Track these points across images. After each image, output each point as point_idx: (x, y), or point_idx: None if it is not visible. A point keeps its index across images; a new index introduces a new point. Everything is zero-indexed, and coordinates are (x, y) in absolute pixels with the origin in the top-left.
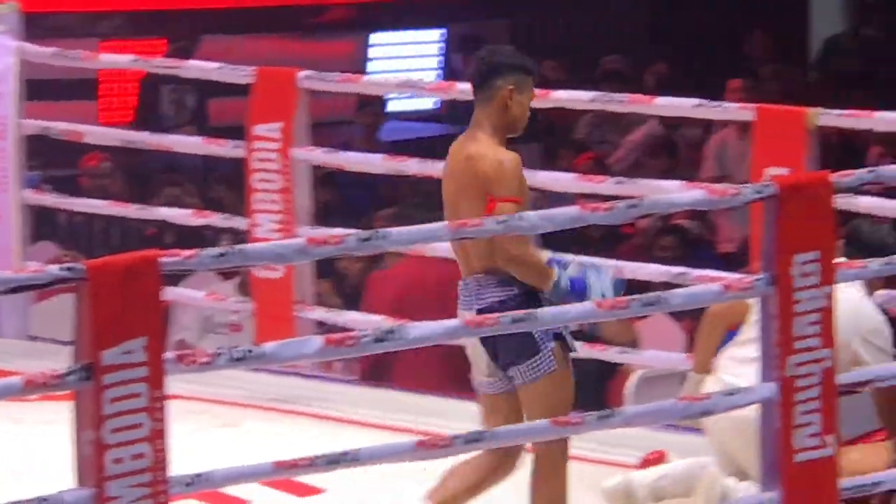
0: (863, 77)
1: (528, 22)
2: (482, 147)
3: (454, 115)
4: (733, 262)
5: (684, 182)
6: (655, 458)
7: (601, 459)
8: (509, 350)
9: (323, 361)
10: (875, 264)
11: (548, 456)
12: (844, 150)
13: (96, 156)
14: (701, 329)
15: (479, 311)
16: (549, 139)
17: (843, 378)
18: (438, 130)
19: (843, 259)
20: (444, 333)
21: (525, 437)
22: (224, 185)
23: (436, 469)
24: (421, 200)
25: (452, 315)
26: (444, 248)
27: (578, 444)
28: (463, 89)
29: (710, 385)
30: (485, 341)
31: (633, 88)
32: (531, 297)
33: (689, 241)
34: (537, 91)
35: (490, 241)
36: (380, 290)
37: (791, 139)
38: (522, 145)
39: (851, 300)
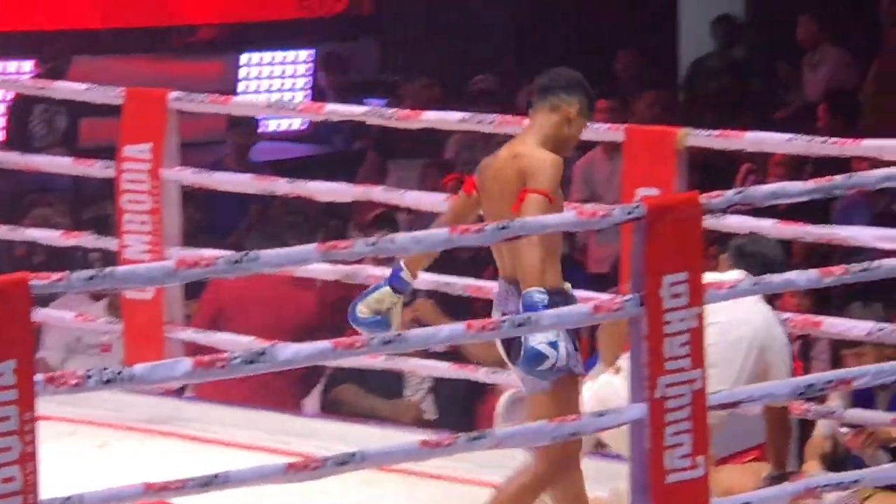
0: (731, 97)
1: (398, 42)
2: (528, 147)
3: (319, 136)
4: (605, 282)
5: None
6: None
7: (473, 479)
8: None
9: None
10: (746, 283)
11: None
12: (710, 169)
13: None
14: (603, 324)
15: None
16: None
17: (713, 399)
18: (307, 151)
19: (736, 272)
20: (313, 355)
21: (392, 459)
22: (94, 205)
23: None
24: (294, 220)
25: (271, 324)
26: (317, 270)
27: (450, 465)
28: (331, 110)
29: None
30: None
31: (504, 108)
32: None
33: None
34: (407, 112)
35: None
36: (206, 300)
37: (660, 160)
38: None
39: (763, 313)
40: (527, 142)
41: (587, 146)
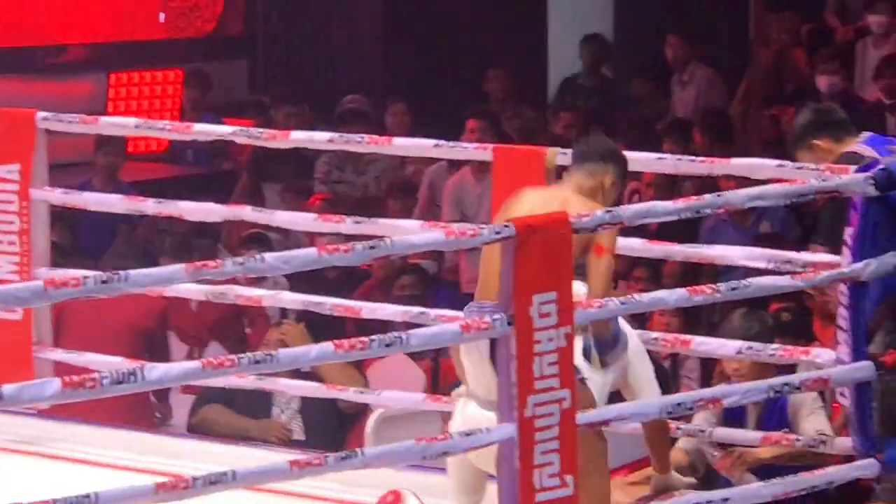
0: (600, 116)
1: (268, 62)
2: (582, 203)
3: (183, 156)
4: None
5: (424, 222)
6: (391, 501)
7: (343, 500)
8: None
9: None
10: (613, 304)
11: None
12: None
13: None
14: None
15: None
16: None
17: (581, 418)
18: (171, 172)
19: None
20: (183, 375)
21: (263, 479)
22: None
23: None
24: (163, 240)
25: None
26: (188, 290)
27: (319, 485)
28: (199, 130)
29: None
30: None
31: (372, 128)
32: None
33: (429, 281)
34: (275, 132)
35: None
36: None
37: (530, 179)
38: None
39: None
40: (573, 194)
41: (457, 166)
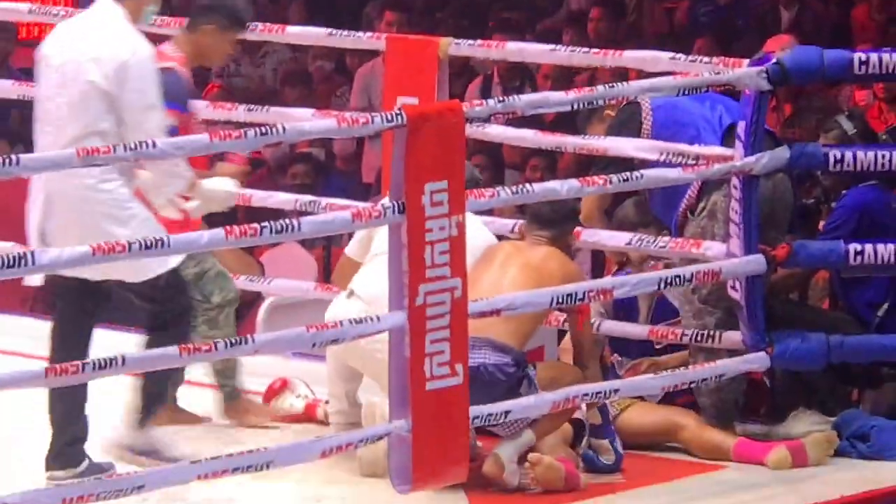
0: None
1: None
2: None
3: None
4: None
5: (316, 111)
6: (279, 387)
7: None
8: None
9: None
10: (504, 194)
11: None
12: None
13: None
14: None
15: None
16: None
17: (473, 307)
18: None
19: None
20: (77, 259)
21: (153, 364)
22: None
23: None
24: None
25: None
26: None
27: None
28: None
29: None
30: None
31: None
32: None
33: (320, 169)
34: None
35: None
36: None
37: (421, 69)
38: None
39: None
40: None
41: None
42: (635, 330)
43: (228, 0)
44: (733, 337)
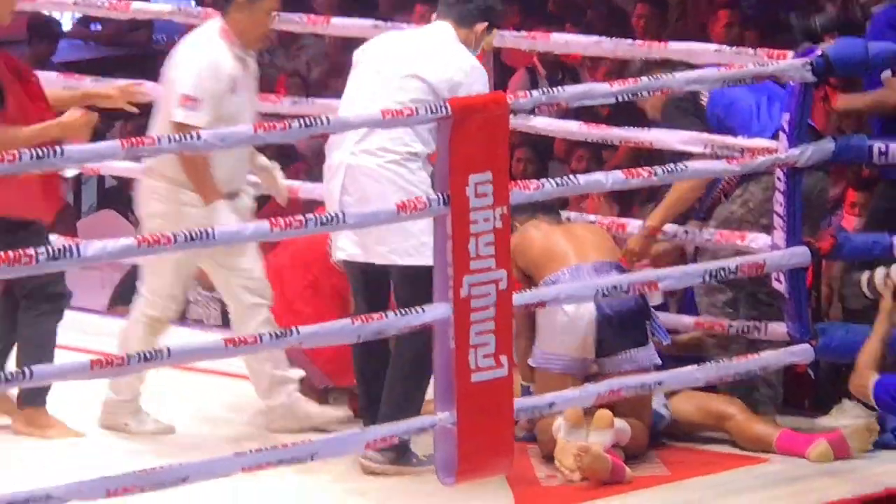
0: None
1: None
2: None
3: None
4: None
5: None
6: None
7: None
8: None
9: None
10: (549, 186)
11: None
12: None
13: None
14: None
15: None
16: None
17: (518, 298)
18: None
19: None
20: (119, 252)
21: (198, 357)
22: None
23: None
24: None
25: None
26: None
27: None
28: (138, 9)
29: None
30: None
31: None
32: None
33: None
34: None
35: None
36: None
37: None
38: None
39: None
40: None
41: None
42: (681, 321)
43: None
44: (779, 329)
